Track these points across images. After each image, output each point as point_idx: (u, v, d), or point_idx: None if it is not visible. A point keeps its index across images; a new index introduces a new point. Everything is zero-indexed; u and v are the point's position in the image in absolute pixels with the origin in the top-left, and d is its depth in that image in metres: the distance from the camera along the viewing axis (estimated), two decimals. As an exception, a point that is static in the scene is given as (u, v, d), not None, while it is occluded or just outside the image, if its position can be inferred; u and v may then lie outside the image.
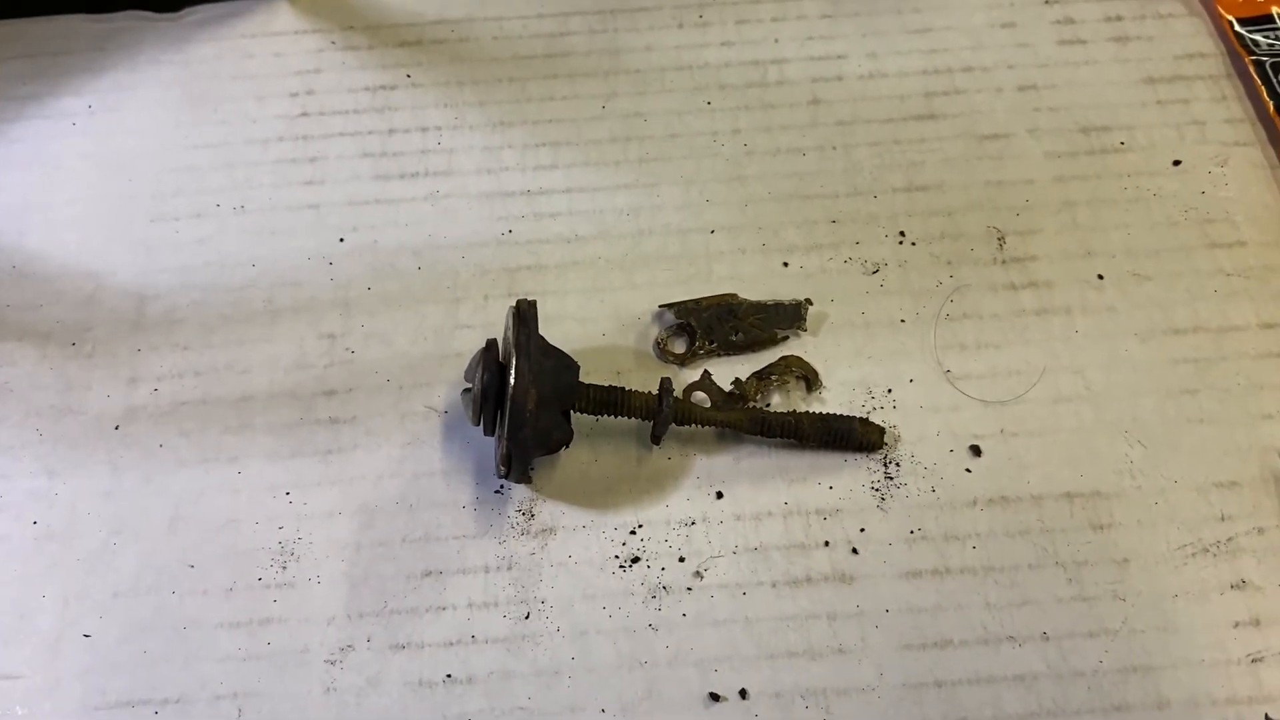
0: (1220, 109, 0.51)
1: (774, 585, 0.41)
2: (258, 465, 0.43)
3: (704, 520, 0.42)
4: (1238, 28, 0.52)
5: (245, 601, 0.41)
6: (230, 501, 0.42)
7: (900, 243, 0.47)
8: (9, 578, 0.41)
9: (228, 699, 0.39)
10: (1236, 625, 0.40)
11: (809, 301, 0.46)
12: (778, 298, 0.46)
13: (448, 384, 0.45)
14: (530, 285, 0.47)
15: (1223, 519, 0.42)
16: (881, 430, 0.43)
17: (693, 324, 0.45)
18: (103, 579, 0.41)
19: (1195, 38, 0.53)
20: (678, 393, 0.42)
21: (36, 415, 0.44)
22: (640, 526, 0.42)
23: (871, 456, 0.43)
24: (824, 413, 0.43)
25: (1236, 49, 0.52)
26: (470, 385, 0.40)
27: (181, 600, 0.41)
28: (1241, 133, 0.50)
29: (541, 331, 0.39)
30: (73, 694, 0.39)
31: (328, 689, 0.39)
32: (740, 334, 0.45)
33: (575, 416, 0.41)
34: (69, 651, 0.40)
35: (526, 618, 0.40)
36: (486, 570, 0.41)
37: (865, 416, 0.43)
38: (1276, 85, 0.50)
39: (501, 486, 0.42)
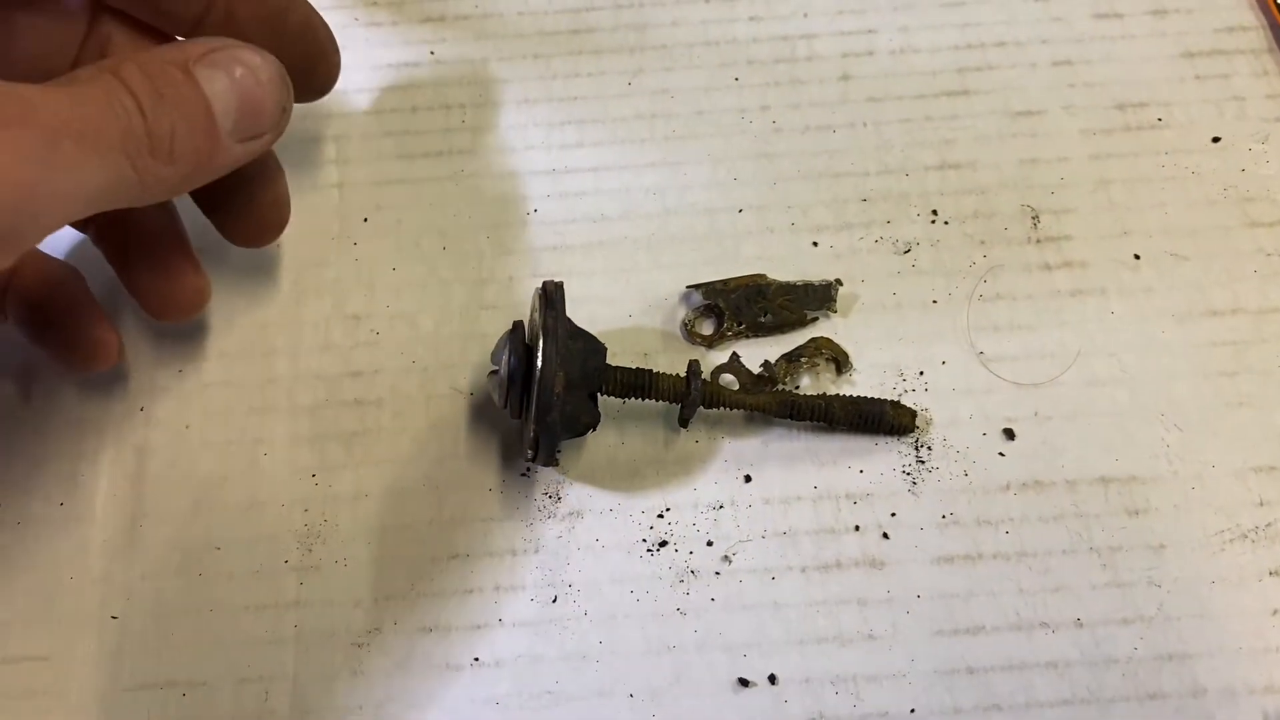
0: (1261, 84, 0.49)
1: (803, 570, 0.40)
2: (283, 447, 0.43)
3: (732, 504, 0.41)
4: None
5: (271, 584, 0.41)
6: (256, 483, 0.42)
7: (932, 222, 0.47)
8: (36, 560, 0.41)
9: (254, 682, 0.39)
10: (1275, 612, 0.39)
11: (839, 282, 0.45)
12: (807, 278, 0.45)
13: (473, 366, 0.44)
14: (555, 266, 0.46)
15: (1261, 504, 0.41)
16: (913, 413, 0.42)
17: (720, 305, 0.44)
18: (129, 561, 0.41)
19: (1235, 10, 0.51)
20: (706, 375, 0.41)
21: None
22: (668, 510, 0.41)
23: (903, 440, 0.42)
24: (854, 395, 0.42)
25: (1278, 21, 0.50)
26: (497, 368, 0.39)
27: (207, 583, 0.41)
28: (1283, 108, 0.49)
29: (568, 313, 0.39)
30: (99, 676, 0.39)
31: (354, 672, 0.39)
32: (769, 315, 0.44)
33: (602, 399, 0.40)
34: (95, 633, 0.40)
35: (554, 601, 0.40)
36: (513, 553, 0.41)
37: (896, 399, 0.42)
38: (1320, 59, 0.49)
39: (528, 469, 0.42)
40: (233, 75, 0.35)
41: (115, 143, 0.31)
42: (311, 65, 0.42)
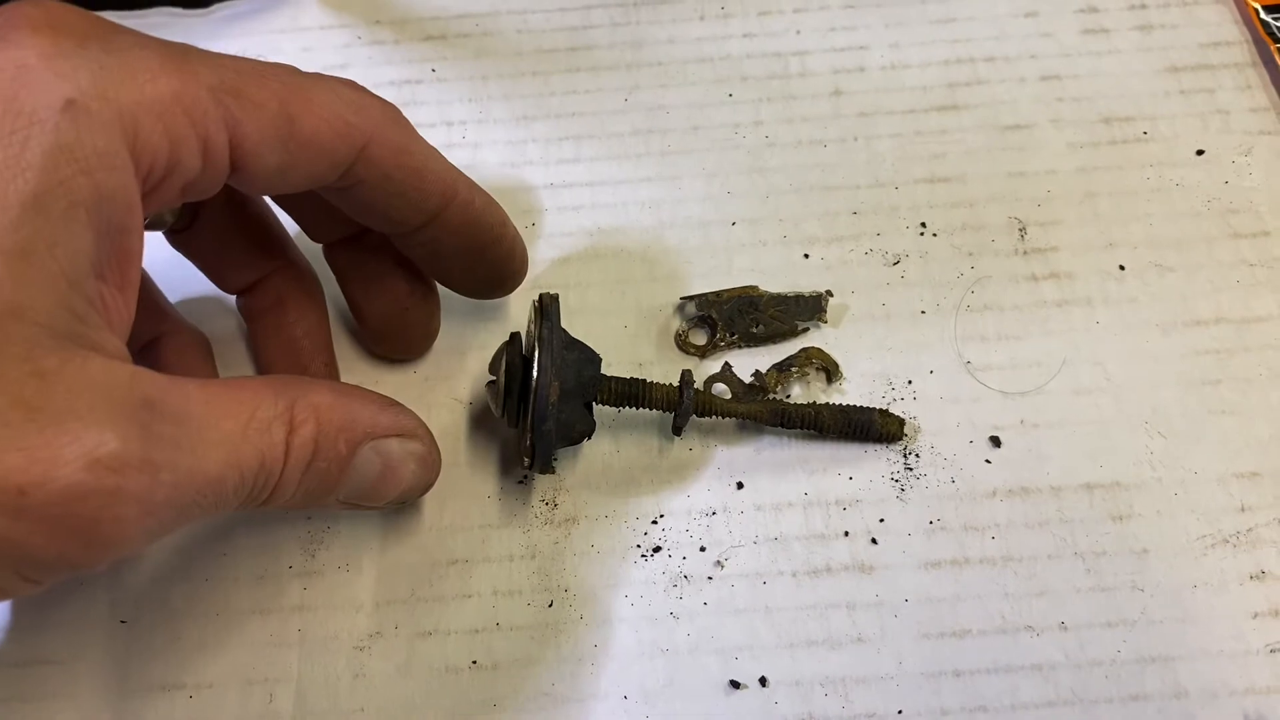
0: (1245, 98, 0.50)
1: (794, 575, 0.41)
2: (287, 456, 0.44)
3: (725, 510, 0.42)
4: (1263, 15, 0.52)
5: (275, 589, 0.42)
6: (261, 491, 0.43)
7: (921, 234, 0.48)
8: (47, 565, 0.42)
9: (259, 684, 0.40)
10: (1256, 616, 0.40)
11: (829, 293, 0.46)
12: (798, 289, 0.46)
13: (472, 376, 0.45)
14: (553, 278, 0.47)
15: (1243, 510, 0.42)
16: (901, 421, 0.43)
17: (713, 316, 0.45)
18: (137, 566, 0.42)
19: (1220, 26, 0.52)
20: (698, 385, 0.42)
21: (72, 407, 0.45)
22: (661, 516, 0.42)
23: (891, 447, 0.43)
24: (844, 404, 0.43)
25: (1262, 36, 0.51)
26: (494, 378, 0.40)
27: (214, 587, 0.42)
28: (1266, 122, 0.50)
29: (564, 324, 0.40)
30: (109, 679, 0.40)
31: (356, 675, 0.40)
32: (761, 326, 0.45)
33: (597, 408, 0.41)
34: (105, 638, 0.41)
35: (550, 606, 0.41)
36: (511, 559, 0.42)
37: (885, 408, 0.43)
38: (1302, 73, 0.50)
39: (525, 477, 0.43)
40: (390, 465, 0.35)
41: (228, 491, 0.30)
42: (499, 283, 0.44)
